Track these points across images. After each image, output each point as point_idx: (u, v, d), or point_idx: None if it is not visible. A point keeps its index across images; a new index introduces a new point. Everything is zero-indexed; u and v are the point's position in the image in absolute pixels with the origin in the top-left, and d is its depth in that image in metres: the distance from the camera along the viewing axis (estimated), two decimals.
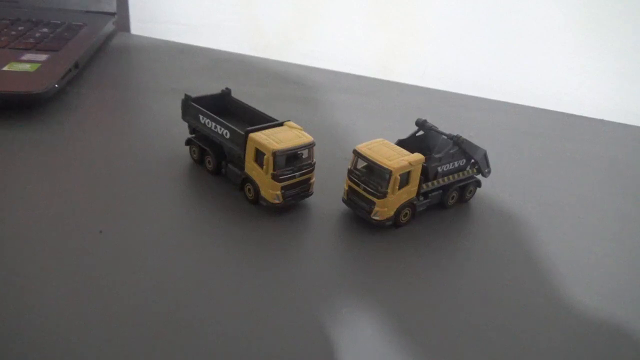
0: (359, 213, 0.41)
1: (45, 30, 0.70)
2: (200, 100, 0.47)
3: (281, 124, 0.43)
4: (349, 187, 0.42)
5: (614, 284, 0.38)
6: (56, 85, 0.56)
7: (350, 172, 0.41)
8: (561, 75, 0.81)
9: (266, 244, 0.38)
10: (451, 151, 0.43)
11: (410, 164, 0.39)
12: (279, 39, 0.93)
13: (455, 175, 0.44)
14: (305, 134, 0.42)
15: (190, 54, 0.80)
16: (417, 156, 0.40)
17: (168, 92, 0.63)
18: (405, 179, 0.40)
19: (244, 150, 0.41)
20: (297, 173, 0.41)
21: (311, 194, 0.43)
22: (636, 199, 0.51)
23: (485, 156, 0.46)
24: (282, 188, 0.40)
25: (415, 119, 0.46)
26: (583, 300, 0.36)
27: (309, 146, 0.41)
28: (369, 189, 0.40)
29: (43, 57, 0.61)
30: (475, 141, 0.44)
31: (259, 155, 0.40)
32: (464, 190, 0.46)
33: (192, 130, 0.48)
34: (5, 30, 0.68)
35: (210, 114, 0.44)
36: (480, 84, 0.78)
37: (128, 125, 0.55)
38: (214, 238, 0.38)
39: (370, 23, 0.88)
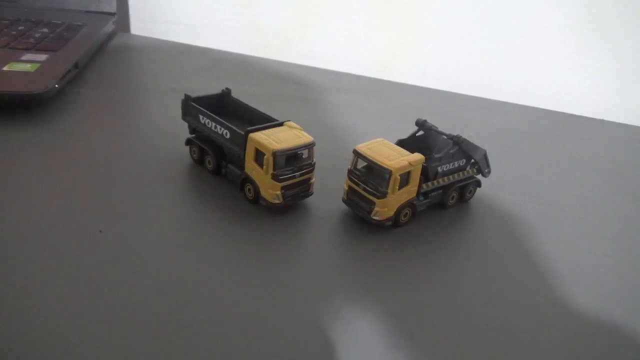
0: (359, 213, 0.41)
1: (45, 30, 0.70)
2: (200, 100, 0.47)
3: (281, 124, 0.43)
4: (349, 187, 0.42)
5: (614, 284, 0.38)
6: (56, 85, 0.56)
7: (350, 172, 0.41)
8: (561, 75, 0.81)
9: (266, 244, 0.38)
10: (451, 151, 0.43)
11: (410, 164, 0.39)
12: (279, 39, 0.93)
13: (455, 175, 0.44)
14: (305, 134, 0.42)
15: (190, 54, 0.80)
16: (417, 156, 0.40)
17: (168, 92, 0.63)
18: (405, 179, 0.40)
19: (244, 150, 0.41)
20: (297, 173, 0.41)
21: (311, 194, 0.43)
22: (636, 199, 0.51)
23: (485, 156, 0.46)
24: (282, 188, 0.40)
25: (415, 119, 0.46)
26: (583, 300, 0.36)
27: (309, 146, 0.41)
28: (369, 189, 0.40)
29: (43, 57, 0.61)
30: (475, 141, 0.44)
31: (259, 155, 0.40)
32: (464, 190, 0.46)
33: (192, 130, 0.48)
34: (5, 30, 0.68)
35: (210, 114, 0.44)
36: (480, 84, 0.78)
37: (128, 125, 0.55)
38: (214, 238, 0.38)
39: (370, 23, 0.88)
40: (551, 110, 0.74)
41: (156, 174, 0.45)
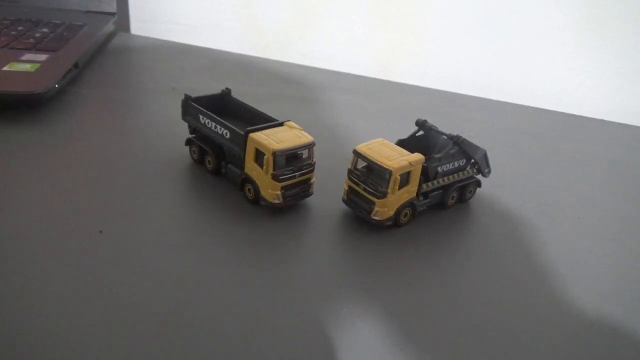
0: (359, 213, 0.41)
1: (45, 30, 0.70)
2: (200, 100, 0.47)
3: (281, 124, 0.43)
4: (349, 187, 0.42)
5: (614, 284, 0.38)
6: (56, 85, 0.56)
7: (350, 172, 0.41)
8: (561, 75, 0.81)
9: (266, 244, 0.38)
10: (451, 151, 0.43)
11: (410, 164, 0.39)
12: (279, 39, 0.93)
13: (455, 175, 0.44)
14: (305, 134, 0.42)
15: (190, 54, 0.80)
16: (417, 156, 0.40)
17: (168, 92, 0.63)
18: (405, 179, 0.40)
19: (244, 150, 0.41)
20: (297, 173, 0.41)
21: (311, 194, 0.43)
22: (636, 199, 0.51)
23: (485, 156, 0.46)
24: (282, 188, 0.40)
25: (415, 119, 0.46)
26: (583, 300, 0.36)
27: (309, 146, 0.41)
28: (369, 189, 0.40)
29: (43, 57, 0.61)
30: (475, 141, 0.44)
31: (259, 155, 0.40)
32: (464, 190, 0.46)
33: (192, 130, 0.48)
34: (5, 30, 0.68)
35: (210, 114, 0.44)
36: (480, 84, 0.78)
37: (128, 125, 0.55)
38: (214, 238, 0.38)
39: (370, 23, 0.88)
40: (551, 110, 0.74)
41: (156, 174, 0.45)
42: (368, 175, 0.41)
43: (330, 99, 0.68)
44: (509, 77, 0.82)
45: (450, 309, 0.34)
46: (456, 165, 0.44)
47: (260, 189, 0.41)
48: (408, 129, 0.46)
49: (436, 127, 0.46)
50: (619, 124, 0.71)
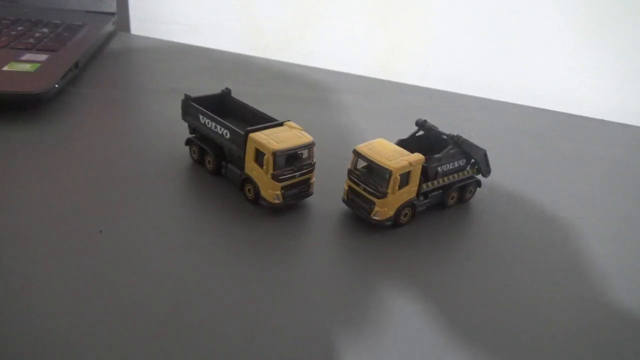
0: (359, 213, 0.41)
1: (45, 30, 0.70)
2: (200, 100, 0.47)
3: (281, 124, 0.43)
4: (349, 187, 0.42)
5: (614, 284, 0.38)
6: (56, 85, 0.56)
7: (350, 172, 0.41)
8: (561, 75, 0.81)
9: (266, 244, 0.38)
10: (451, 151, 0.43)
11: (410, 164, 0.39)
12: (279, 39, 0.93)
13: (455, 175, 0.44)
14: (305, 134, 0.42)
15: (190, 54, 0.80)
16: (417, 156, 0.40)
17: (168, 92, 0.63)
18: (405, 179, 0.40)
19: (244, 150, 0.41)
20: (297, 173, 0.41)
21: (311, 194, 0.43)
22: (636, 199, 0.51)
23: (485, 156, 0.46)
24: (282, 188, 0.40)
25: (415, 119, 0.46)
26: (583, 300, 0.36)
27: (309, 146, 0.41)
28: (369, 189, 0.40)
29: (43, 57, 0.61)
30: (475, 141, 0.44)
31: (259, 155, 0.40)
32: (464, 190, 0.46)
33: (192, 130, 0.48)
34: (5, 30, 0.68)
35: (210, 114, 0.44)
36: (480, 84, 0.78)
37: (128, 125, 0.55)
38: (214, 238, 0.38)
39: (370, 23, 0.88)
40: (551, 110, 0.74)
41: (156, 174, 0.45)
42: (368, 175, 0.41)
43: (330, 99, 0.68)
44: (509, 77, 0.82)
45: (451, 309, 0.34)
46: (456, 165, 0.44)
47: (260, 189, 0.41)
48: (408, 129, 0.46)
49: (436, 127, 0.46)
50: (619, 124, 0.71)
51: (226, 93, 0.49)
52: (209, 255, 0.36)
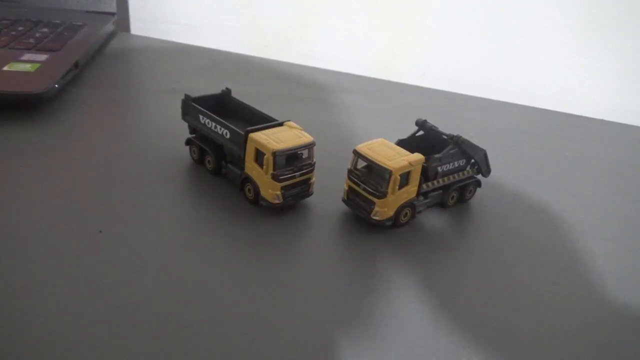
0: (359, 213, 0.41)
1: (45, 30, 0.70)
2: (200, 100, 0.47)
3: (281, 124, 0.43)
4: (349, 187, 0.42)
5: (614, 284, 0.38)
6: (56, 85, 0.56)
7: (350, 172, 0.41)
8: (561, 75, 0.81)
9: (266, 244, 0.38)
10: (451, 151, 0.43)
11: (410, 164, 0.39)
12: (279, 39, 0.93)
13: (455, 175, 0.44)
14: (305, 134, 0.42)
15: (190, 54, 0.80)
16: (417, 156, 0.40)
17: (168, 92, 0.63)
18: (405, 179, 0.40)
19: (244, 150, 0.41)
20: (297, 173, 0.41)
21: (311, 194, 0.43)
22: (636, 199, 0.51)
23: (485, 156, 0.46)
24: (282, 188, 0.40)
25: (415, 119, 0.46)
26: (583, 300, 0.36)
27: (309, 146, 0.41)
28: (369, 189, 0.40)
29: (43, 57, 0.61)
30: (475, 141, 0.44)
31: (259, 155, 0.40)
32: (464, 190, 0.46)
33: (192, 130, 0.48)
34: (5, 30, 0.68)
35: (210, 114, 0.44)
36: (480, 84, 0.78)
37: (128, 125, 0.55)
38: (214, 238, 0.38)
39: (370, 23, 0.88)
40: (551, 110, 0.74)
41: (156, 174, 0.45)
42: (368, 175, 0.41)
43: (330, 99, 0.68)
44: (509, 77, 0.82)
45: (451, 309, 0.34)
46: (456, 165, 0.44)
47: (260, 189, 0.41)
48: (408, 129, 0.46)
49: (436, 127, 0.46)
50: (619, 124, 0.71)
51: (226, 93, 0.49)
52: (209, 255, 0.36)
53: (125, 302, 0.31)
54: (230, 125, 0.42)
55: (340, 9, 0.89)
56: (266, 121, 0.43)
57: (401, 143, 0.44)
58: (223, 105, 0.49)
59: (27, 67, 0.58)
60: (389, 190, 0.39)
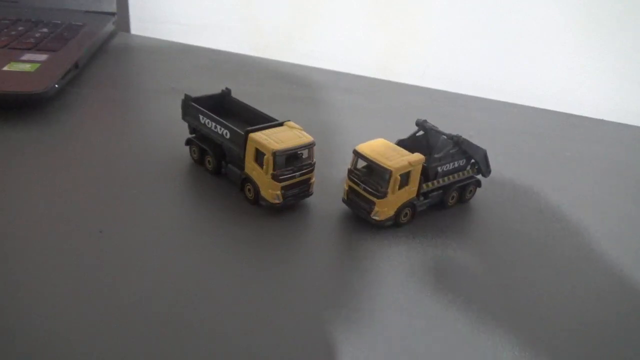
0: (359, 213, 0.41)
1: (45, 30, 0.70)
2: (200, 100, 0.47)
3: (281, 124, 0.43)
4: (349, 187, 0.42)
5: (614, 284, 0.38)
6: (56, 85, 0.56)
7: (350, 172, 0.41)
8: (561, 75, 0.81)
9: (266, 244, 0.38)
10: (451, 151, 0.43)
11: (410, 164, 0.39)
12: (279, 39, 0.93)
13: (455, 175, 0.44)
14: (305, 134, 0.42)
15: (190, 54, 0.80)
16: (417, 156, 0.40)
17: (168, 92, 0.63)
18: (405, 179, 0.40)
19: (244, 150, 0.41)
20: (297, 173, 0.41)
21: (311, 194, 0.43)
22: (636, 199, 0.51)
23: (485, 156, 0.46)
24: (282, 188, 0.40)
25: (415, 119, 0.46)
26: (584, 300, 0.36)
27: (309, 146, 0.41)
28: (369, 189, 0.40)
29: (43, 57, 0.61)
30: (475, 141, 0.44)
31: (259, 155, 0.40)
32: (464, 190, 0.46)
33: (192, 130, 0.48)
34: (5, 30, 0.68)
35: (210, 114, 0.44)
36: (480, 84, 0.78)
37: (128, 125, 0.55)
38: (214, 238, 0.38)
39: (371, 23, 0.88)
40: (551, 110, 0.74)
41: (156, 174, 0.45)
42: (368, 175, 0.41)
43: (330, 99, 0.68)
44: (509, 77, 0.82)
45: (451, 309, 0.34)
46: (456, 165, 0.44)
47: (260, 189, 0.41)
48: (408, 129, 0.46)
49: (436, 127, 0.46)
50: (619, 124, 0.71)
51: (226, 93, 0.49)
52: (209, 255, 0.36)
53: (125, 302, 0.31)
54: (230, 125, 0.42)
55: (340, 9, 0.89)
56: (266, 121, 0.43)
57: (401, 143, 0.44)
58: (223, 105, 0.49)
59: (27, 67, 0.58)
60: (389, 190, 0.39)
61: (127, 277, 0.33)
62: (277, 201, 0.40)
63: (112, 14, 0.82)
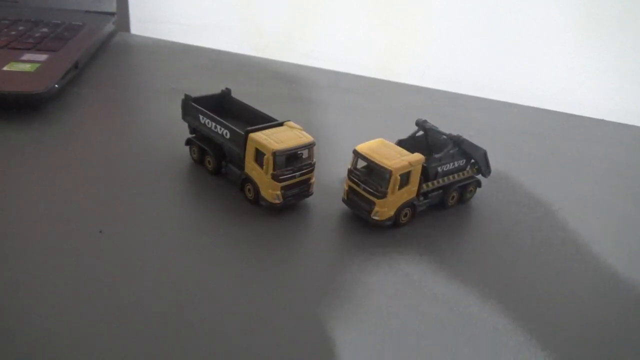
0: (359, 213, 0.41)
1: (45, 30, 0.70)
2: (200, 100, 0.47)
3: (281, 124, 0.43)
4: (349, 187, 0.42)
5: (614, 284, 0.38)
6: (56, 85, 0.56)
7: (350, 172, 0.41)
8: (561, 75, 0.81)
9: (266, 244, 0.38)
10: (451, 151, 0.43)
11: (410, 164, 0.39)
12: (279, 39, 0.93)
13: (455, 175, 0.44)
14: (305, 134, 0.42)
15: (190, 54, 0.80)
16: (417, 156, 0.40)
17: (168, 92, 0.63)
18: (405, 179, 0.40)
19: (244, 150, 0.41)
20: (297, 173, 0.41)
21: (311, 194, 0.43)
22: (636, 199, 0.51)
23: (485, 156, 0.46)
24: (282, 188, 0.40)
25: (415, 119, 0.46)
26: (584, 300, 0.36)
27: (309, 146, 0.41)
28: (369, 189, 0.40)
29: (43, 57, 0.61)
30: (475, 141, 0.44)
31: (259, 155, 0.40)
32: (464, 190, 0.46)
33: (192, 130, 0.48)
34: (5, 30, 0.68)
35: (210, 114, 0.44)
36: (480, 84, 0.78)
37: (128, 125, 0.55)
38: (214, 238, 0.38)
39: (371, 23, 0.88)
40: (551, 110, 0.74)
41: (156, 174, 0.45)
42: (368, 175, 0.41)
43: (330, 99, 0.68)
44: (509, 77, 0.82)
45: (450, 309, 0.34)
46: (456, 165, 0.44)
47: (260, 189, 0.41)
48: (408, 129, 0.46)
49: (436, 127, 0.46)
50: (619, 124, 0.71)
51: (226, 93, 0.49)
52: (209, 255, 0.36)
53: (125, 302, 0.31)
54: (230, 125, 0.42)
55: (340, 9, 0.89)
56: (266, 121, 0.43)
57: (401, 143, 0.44)
58: (223, 105, 0.49)
59: (27, 67, 0.58)
60: (389, 190, 0.39)
61: (127, 277, 0.33)
62: (277, 201, 0.40)
63: (112, 14, 0.82)
